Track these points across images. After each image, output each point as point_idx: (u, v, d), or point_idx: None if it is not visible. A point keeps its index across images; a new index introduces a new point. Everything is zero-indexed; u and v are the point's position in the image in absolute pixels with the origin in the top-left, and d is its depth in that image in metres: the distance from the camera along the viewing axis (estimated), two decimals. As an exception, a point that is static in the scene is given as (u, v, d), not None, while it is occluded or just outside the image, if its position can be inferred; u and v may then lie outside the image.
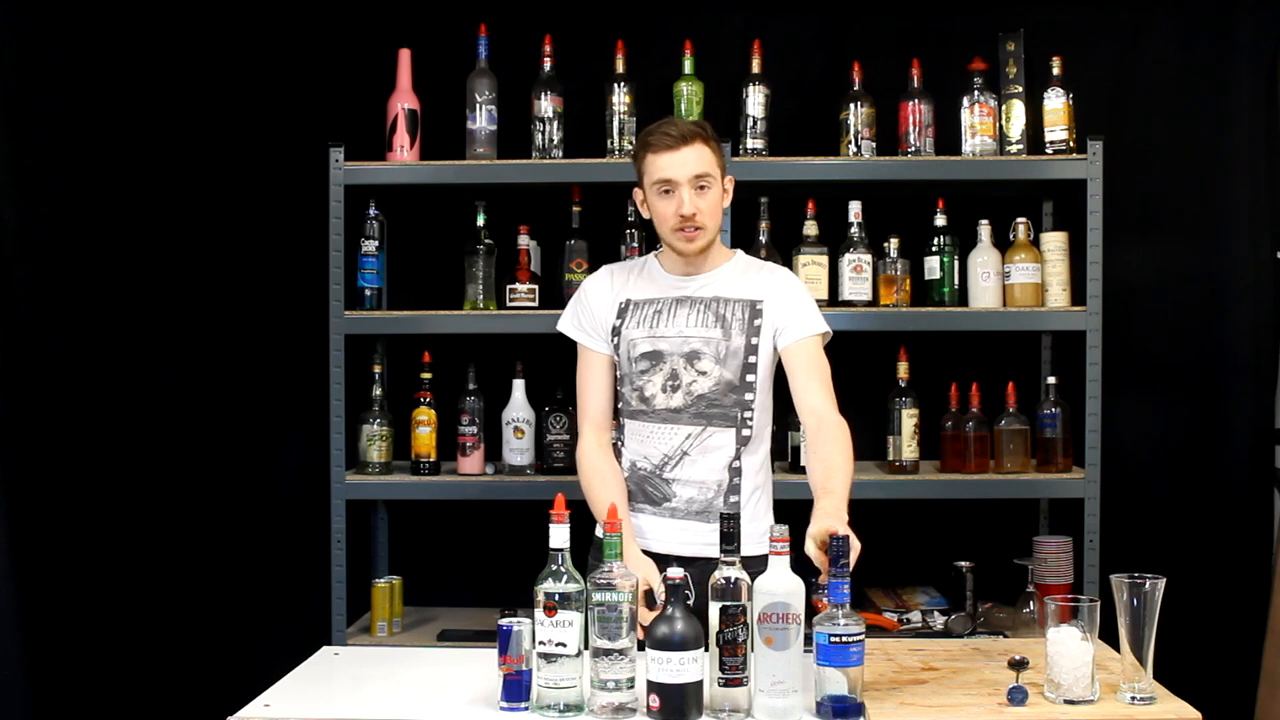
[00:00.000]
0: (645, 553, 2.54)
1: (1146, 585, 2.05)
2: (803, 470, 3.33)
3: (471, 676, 2.26)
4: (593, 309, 2.67)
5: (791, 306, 2.57)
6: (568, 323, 2.72)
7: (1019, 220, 3.43)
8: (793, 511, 2.53)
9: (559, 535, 2.05)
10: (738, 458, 2.57)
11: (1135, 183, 3.56)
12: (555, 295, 3.45)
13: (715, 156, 2.54)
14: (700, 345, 2.55)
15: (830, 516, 2.19)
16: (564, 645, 2.01)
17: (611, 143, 3.42)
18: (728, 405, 2.55)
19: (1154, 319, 3.65)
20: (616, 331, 2.63)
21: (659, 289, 2.63)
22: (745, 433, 2.56)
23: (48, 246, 3.48)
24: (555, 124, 3.41)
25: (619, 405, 2.67)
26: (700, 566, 2.37)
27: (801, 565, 2.06)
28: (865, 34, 3.67)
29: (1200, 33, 3.64)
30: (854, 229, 3.41)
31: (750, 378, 2.55)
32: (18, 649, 3.19)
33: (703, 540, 2.55)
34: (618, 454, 2.68)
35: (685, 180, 2.50)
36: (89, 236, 3.61)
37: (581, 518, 2.51)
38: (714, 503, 2.56)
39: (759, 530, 2.48)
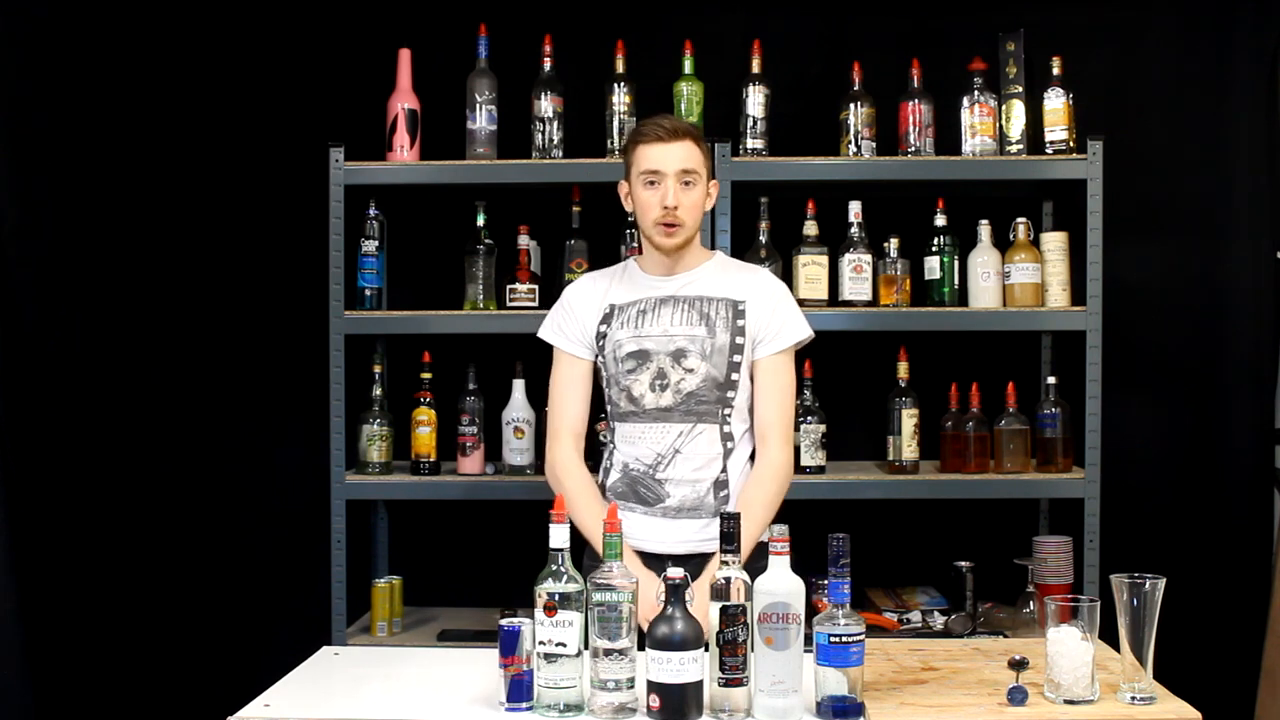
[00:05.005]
0: (637, 553, 2.56)
1: (1146, 585, 2.04)
2: (806, 471, 3.34)
3: (471, 676, 2.25)
4: (577, 314, 2.70)
5: (771, 317, 2.60)
6: (549, 329, 2.74)
7: (1019, 220, 3.43)
8: (793, 512, 2.53)
9: (559, 535, 2.05)
10: (726, 455, 2.59)
11: (1135, 183, 3.55)
12: (555, 295, 3.41)
13: (703, 157, 2.60)
14: (686, 343, 2.58)
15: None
16: (564, 645, 2.01)
17: (611, 143, 3.42)
18: (712, 402, 2.58)
19: (1154, 319, 3.65)
20: (602, 336, 2.66)
21: (641, 290, 2.66)
22: (726, 429, 2.59)
23: (48, 247, 3.48)
24: (555, 124, 3.41)
25: (608, 409, 2.70)
26: (696, 563, 2.38)
27: (802, 565, 2.06)
28: (865, 34, 3.68)
29: (1200, 33, 3.64)
30: (854, 229, 3.40)
31: (735, 375, 2.58)
32: (18, 648, 3.18)
33: (698, 537, 2.57)
34: (609, 456, 2.69)
35: (671, 173, 2.54)
36: (89, 237, 3.60)
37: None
38: (705, 500, 2.58)
39: None
